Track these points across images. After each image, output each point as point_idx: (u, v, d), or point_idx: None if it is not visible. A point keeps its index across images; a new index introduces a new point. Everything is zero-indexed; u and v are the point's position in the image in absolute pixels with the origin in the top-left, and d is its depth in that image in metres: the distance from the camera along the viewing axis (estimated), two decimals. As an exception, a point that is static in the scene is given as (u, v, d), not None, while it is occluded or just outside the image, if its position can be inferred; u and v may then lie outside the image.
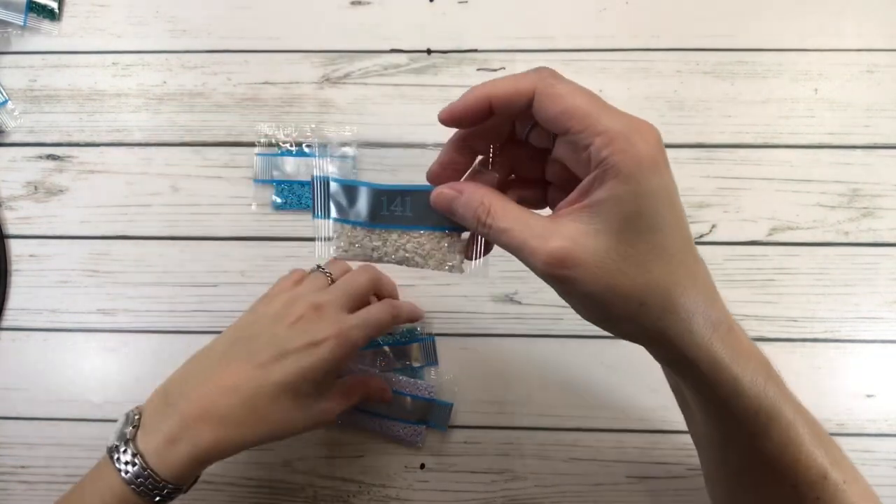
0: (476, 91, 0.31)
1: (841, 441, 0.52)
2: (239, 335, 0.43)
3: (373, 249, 0.37)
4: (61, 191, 0.56)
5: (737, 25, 0.56)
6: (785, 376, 0.53)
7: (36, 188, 0.56)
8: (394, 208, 0.36)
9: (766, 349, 0.52)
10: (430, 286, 0.54)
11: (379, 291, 0.50)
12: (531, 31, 0.56)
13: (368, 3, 0.57)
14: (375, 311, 0.44)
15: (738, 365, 0.32)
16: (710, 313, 0.31)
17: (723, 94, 0.55)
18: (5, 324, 0.55)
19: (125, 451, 0.39)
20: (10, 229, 0.55)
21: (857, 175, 0.54)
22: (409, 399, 0.51)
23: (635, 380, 0.53)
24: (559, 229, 0.29)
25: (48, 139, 0.56)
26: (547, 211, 0.35)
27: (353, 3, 0.57)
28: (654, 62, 0.56)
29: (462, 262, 0.36)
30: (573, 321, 0.53)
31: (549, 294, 0.53)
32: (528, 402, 0.53)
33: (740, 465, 0.36)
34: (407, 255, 0.36)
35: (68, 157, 0.56)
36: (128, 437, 0.40)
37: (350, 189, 0.36)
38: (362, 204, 0.36)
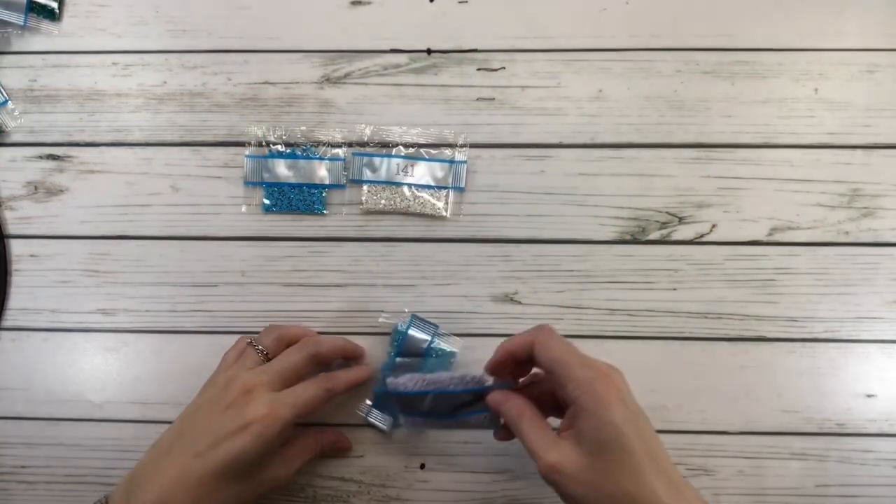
0: (499, 350, 0.44)
1: (841, 441, 0.52)
2: (184, 425, 0.45)
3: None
4: (61, 191, 0.56)
5: (737, 25, 0.56)
6: (785, 376, 0.53)
7: (36, 188, 0.56)
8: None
9: (766, 349, 0.53)
10: (429, 286, 0.54)
11: (323, 361, 0.50)
12: (531, 31, 0.56)
13: (368, 3, 0.57)
14: (305, 388, 0.46)
15: None
16: None
17: (723, 94, 0.55)
18: (5, 324, 0.55)
19: None
20: (10, 229, 0.55)
21: (857, 175, 0.54)
22: (464, 395, 0.46)
23: (635, 380, 0.53)
24: (557, 446, 0.40)
25: (48, 139, 0.56)
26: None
27: (353, 3, 0.57)
28: (654, 62, 0.56)
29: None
30: (573, 321, 0.53)
31: (549, 294, 0.54)
32: (528, 402, 0.53)
33: None
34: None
35: (68, 157, 0.56)
36: None
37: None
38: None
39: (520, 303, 0.54)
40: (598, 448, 0.38)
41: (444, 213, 0.54)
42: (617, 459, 0.38)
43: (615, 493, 0.38)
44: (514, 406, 0.43)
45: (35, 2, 0.56)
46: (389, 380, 0.46)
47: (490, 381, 0.45)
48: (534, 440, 0.41)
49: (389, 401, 0.51)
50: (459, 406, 0.46)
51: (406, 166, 0.54)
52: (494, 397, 0.44)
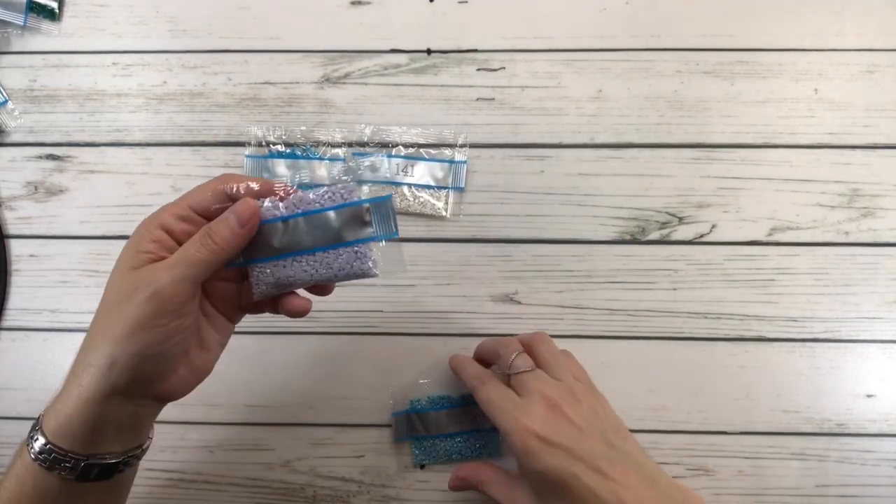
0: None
1: (841, 441, 0.52)
2: None
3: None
4: (61, 191, 0.56)
5: (737, 25, 0.56)
6: (785, 376, 0.53)
7: (36, 188, 0.56)
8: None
9: (766, 349, 0.53)
10: (429, 286, 0.54)
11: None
12: (531, 31, 0.56)
13: (368, 3, 0.57)
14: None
15: None
16: None
17: (723, 94, 0.55)
18: (5, 324, 0.55)
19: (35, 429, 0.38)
20: (10, 229, 0.55)
21: (857, 175, 0.54)
22: (330, 214, 0.36)
23: (634, 380, 0.53)
24: (514, 491, 0.44)
25: (48, 139, 0.56)
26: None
27: (353, 3, 0.57)
28: (654, 62, 0.56)
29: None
30: (573, 321, 0.53)
31: (549, 294, 0.54)
32: (528, 402, 0.53)
33: None
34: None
35: (68, 157, 0.56)
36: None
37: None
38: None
39: (520, 303, 0.54)
40: (537, 490, 0.42)
41: (444, 213, 0.54)
42: (558, 498, 0.41)
43: None
44: (479, 473, 0.47)
45: (35, 2, 0.56)
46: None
47: (365, 191, 0.37)
48: (498, 496, 0.45)
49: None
50: (331, 236, 0.36)
51: (406, 166, 0.54)
52: (463, 471, 0.47)
